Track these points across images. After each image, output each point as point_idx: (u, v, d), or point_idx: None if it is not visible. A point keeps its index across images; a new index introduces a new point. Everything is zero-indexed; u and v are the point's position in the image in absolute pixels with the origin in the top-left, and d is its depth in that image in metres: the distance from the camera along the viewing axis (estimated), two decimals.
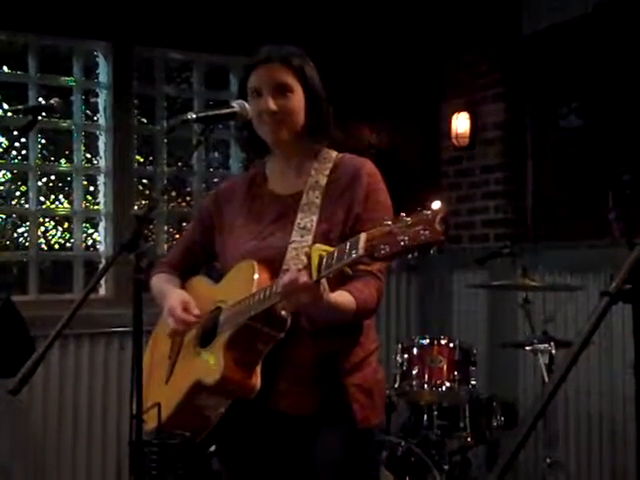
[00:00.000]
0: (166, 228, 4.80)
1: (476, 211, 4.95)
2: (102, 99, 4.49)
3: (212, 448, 2.34)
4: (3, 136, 5.40)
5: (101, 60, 4.48)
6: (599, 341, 3.92)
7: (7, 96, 4.69)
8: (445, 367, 3.69)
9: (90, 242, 4.97)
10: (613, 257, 3.53)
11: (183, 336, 2.23)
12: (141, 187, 5.40)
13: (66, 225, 5.70)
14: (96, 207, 4.61)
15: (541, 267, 4.25)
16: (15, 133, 4.77)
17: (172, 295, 2.24)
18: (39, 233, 5.01)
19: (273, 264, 2.08)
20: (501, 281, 3.98)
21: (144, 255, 1.89)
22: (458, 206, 5.01)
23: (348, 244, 1.76)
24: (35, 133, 4.32)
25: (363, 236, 1.72)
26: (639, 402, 1.39)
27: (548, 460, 3.59)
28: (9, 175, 5.38)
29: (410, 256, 1.69)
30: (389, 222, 1.70)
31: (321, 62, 2.25)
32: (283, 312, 2.02)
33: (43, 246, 5.55)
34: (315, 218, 2.12)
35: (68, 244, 5.38)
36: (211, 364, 2.05)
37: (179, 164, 5.13)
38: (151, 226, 4.51)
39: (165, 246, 4.61)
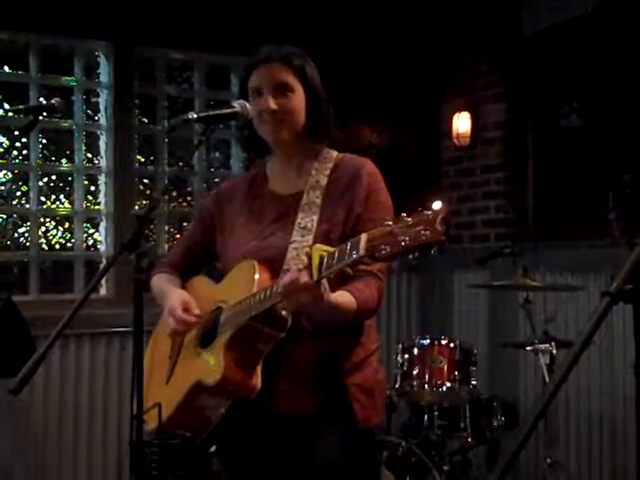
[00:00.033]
0: (167, 228, 4.80)
1: (477, 211, 4.95)
2: (103, 99, 4.49)
3: (212, 448, 2.34)
4: (4, 136, 5.40)
5: (102, 60, 4.49)
6: (600, 341, 3.92)
7: (8, 96, 4.69)
8: (446, 367, 3.69)
9: (91, 242, 4.97)
10: (613, 257, 3.53)
11: (183, 336, 2.23)
12: (142, 187, 5.40)
13: (67, 225, 5.70)
14: (97, 207, 4.61)
15: (542, 267, 4.25)
16: (16, 133, 4.77)
17: (172, 295, 2.24)
18: (40, 233, 5.01)
19: (274, 264, 2.08)
20: (502, 281, 3.98)
21: (145, 255, 1.89)
22: (459, 206, 5.01)
23: (349, 244, 1.76)
24: (36, 133, 4.32)
25: (364, 236, 1.72)
26: (639, 402, 1.39)
27: (549, 460, 3.59)
28: (10, 175, 5.38)
29: (411, 256, 1.69)
30: (390, 222, 1.70)
31: (321, 62, 2.25)
32: (284, 312, 2.02)
33: (44, 246, 5.55)
34: (316, 218, 2.12)
35: (69, 244, 5.37)
36: (212, 364, 2.05)
37: (180, 164, 5.12)
38: (152, 226, 4.51)
39: (166, 246, 4.61)
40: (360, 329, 2.17)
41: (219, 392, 2.06)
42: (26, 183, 4.57)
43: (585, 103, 4.45)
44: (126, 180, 4.46)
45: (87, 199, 4.78)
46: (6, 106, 4.63)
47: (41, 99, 4.36)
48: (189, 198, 5.34)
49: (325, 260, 1.82)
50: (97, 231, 4.70)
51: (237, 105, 2.13)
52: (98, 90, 4.53)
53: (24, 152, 4.73)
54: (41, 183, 4.86)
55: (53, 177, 5.71)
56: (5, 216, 5.61)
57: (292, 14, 4.60)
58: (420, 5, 5.06)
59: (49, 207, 5.47)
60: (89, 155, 4.68)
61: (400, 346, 3.81)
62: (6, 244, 5.50)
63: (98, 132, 4.50)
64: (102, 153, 4.49)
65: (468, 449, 3.75)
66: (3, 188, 5.37)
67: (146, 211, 1.93)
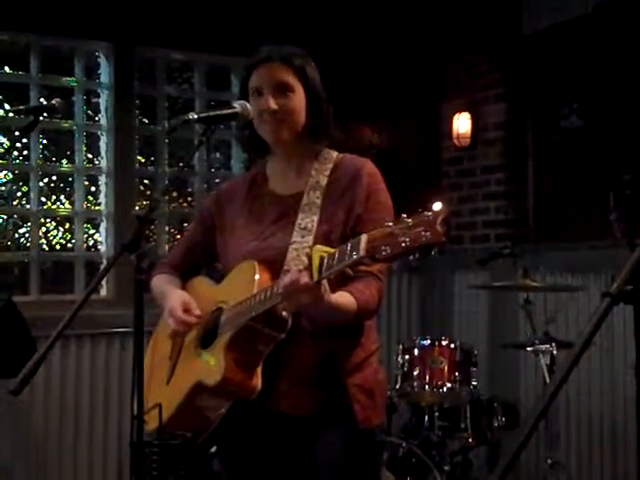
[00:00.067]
0: (167, 229, 4.80)
1: (477, 212, 4.95)
2: (103, 99, 4.49)
3: (213, 449, 2.34)
4: (4, 136, 5.39)
5: (102, 60, 4.49)
6: (600, 342, 3.92)
7: (9, 96, 4.69)
8: (446, 368, 3.69)
9: (91, 243, 4.96)
10: (614, 258, 3.53)
11: (184, 337, 2.23)
12: (142, 187, 5.39)
13: (67, 226, 5.69)
14: (97, 207, 4.62)
15: (542, 268, 4.25)
16: (17, 133, 4.77)
17: (173, 296, 2.24)
18: (40, 233, 5.00)
19: (274, 265, 2.08)
20: (502, 282, 3.98)
21: (145, 256, 1.89)
22: (459, 207, 5.01)
23: (349, 245, 1.76)
24: (36, 133, 4.32)
25: (364, 237, 1.72)
26: None
27: (549, 461, 3.59)
28: (10, 175, 5.37)
29: (411, 257, 1.69)
30: (390, 223, 1.70)
31: (321, 62, 2.25)
32: (284, 313, 2.02)
33: (44, 246, 5.53)
34: (316, 218, 2.12)
35: (69, 245, 5.36)
36: (212, 365, 2.05)
37: (180, 164, 5.12)
38: (152, 227, 4.51)
39: (166, 247, 4.61)
40: (360, 330, 2.17)
41: (219, 393, 2.06)
42: (26, 183, 4.57)
43: (585, 104, 4.45)
44: (126, 181, 4.46)
45: (87, 200, 4.77)
46: (7, 106, 4.63)
47: (42, 100, 4.36)
48: (189, 199, 5.34)
49: (325, 261, 1.82)
50: (97, 232, 4.70)
51: (237, 105, 2.13)
52: (98, 91, 4.53)
53: (24, 152, 4.72)
54: (41, 184, 4.85)
55: (53, 178, 5.70)
56: (5, 216, 5.60)
57: (292, 14, 4.60)
58: (420, 5, 5.06)
59: (49, 208, 5.46)
60: (89, 156, 4.67)
61: (400, 347, 3.81)
62: (7, 245, 5.49)
63: (98, 133, 4.50)
64: (102, 154, 4.49)
65: (469, 450, 3.74)
66: (4, 189, 5.37)
67: (146, 212, 1.93)
